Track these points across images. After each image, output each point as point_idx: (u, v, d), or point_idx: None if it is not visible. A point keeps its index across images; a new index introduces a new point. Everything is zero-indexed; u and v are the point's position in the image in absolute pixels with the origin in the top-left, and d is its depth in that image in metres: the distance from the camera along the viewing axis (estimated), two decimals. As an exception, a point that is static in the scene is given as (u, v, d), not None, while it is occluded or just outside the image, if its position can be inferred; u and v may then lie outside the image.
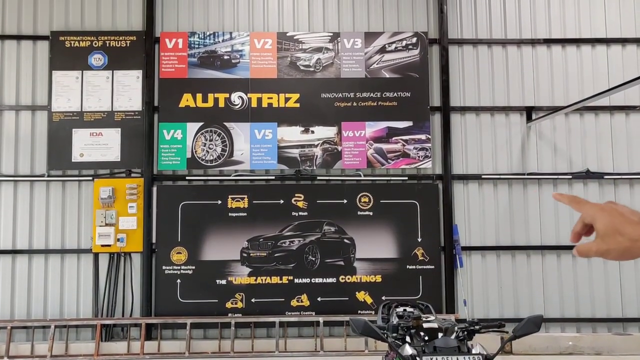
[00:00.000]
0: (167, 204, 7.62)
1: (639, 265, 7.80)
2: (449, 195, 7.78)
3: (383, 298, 7.27)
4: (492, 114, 8.02)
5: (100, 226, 7.50)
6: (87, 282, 7.58)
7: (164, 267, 7.53)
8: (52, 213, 7.66)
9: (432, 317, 3.25)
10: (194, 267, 7.54)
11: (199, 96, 7.78)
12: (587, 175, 7.89)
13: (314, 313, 7.46)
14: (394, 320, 3.51)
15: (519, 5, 8.17)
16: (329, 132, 7.81)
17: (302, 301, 7.53)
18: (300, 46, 7.92)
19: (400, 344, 3.05)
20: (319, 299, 7.54)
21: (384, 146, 7.80)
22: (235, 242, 7.58)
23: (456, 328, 3.06)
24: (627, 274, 7.76)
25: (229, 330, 7.30)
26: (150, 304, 7.49)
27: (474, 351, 2.88)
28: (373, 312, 7.18)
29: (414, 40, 7.96)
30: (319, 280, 7.57)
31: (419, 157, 7.82)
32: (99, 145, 7.68)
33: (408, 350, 2.91)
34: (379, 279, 7.59)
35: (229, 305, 7.49)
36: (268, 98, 7.81)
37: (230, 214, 7.62)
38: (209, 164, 7.73)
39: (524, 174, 7.89)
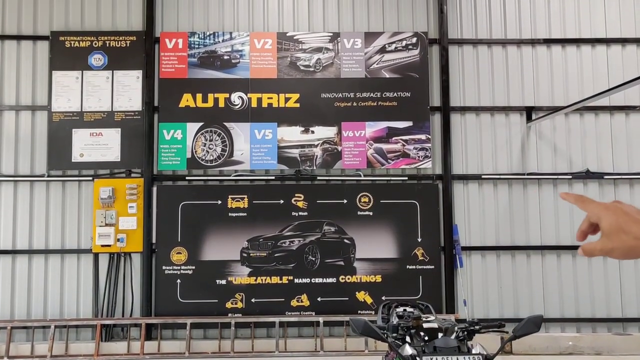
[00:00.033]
0: (167, 204, 7.63)
1: (639, 265, 7.80)
2: (449, 195, 7.78)
3: (383, 298, 7.28)
4: (492, 114, 8.02)
5: (100, 226, 7.50)
6: (87, 282, 7.58)
7: (164, 267, 7.53)
8: (52, 213, 7.66)
9: (432, 317, 3.25)
10: (194, 267, 7.54)
11: (199, 96, 7.78)
12: (587, 175, 7.89)
13: (314, 313, 7.46)
14: (394, 320, 3.51)
15: (519, 5, 8.17)
16: (329, 132, 7.81)
17: (302, 301, 7.53)
18: (300, 46, 7.92)
19: (400, 344, 3.05)
20: (319, 299, 7.54)
21: (384, 146, 7.81)
22: (235, 242, 7.58)
23: (456, 328, 3.06)
24: (627, 274, 7.76)
25: (229, 330, 7.30)
26: (150, 304, 7.49)
27: (474, 351, 2.88)
28: (373, 312, 7.19)
29: (414, 40, 7.97)
30: (319, 280, 7.57)
31: (419, 157, 7.82)
32: (99, 145, 7.68)
33: (408, 350, 2.91)
34: (379, 279, 7.59)
35: (229, 305, 7.49)
36: (268, 98, 7.81)
37: (230, 214, 7.63)
38: (209, 164, 7.73)
39: (524, 174, 7.90)
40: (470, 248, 7.78)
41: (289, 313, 7.47)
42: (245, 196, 7.66)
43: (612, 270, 7.75)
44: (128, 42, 7.84)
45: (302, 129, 7.80)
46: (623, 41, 8.10)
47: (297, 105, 7.80)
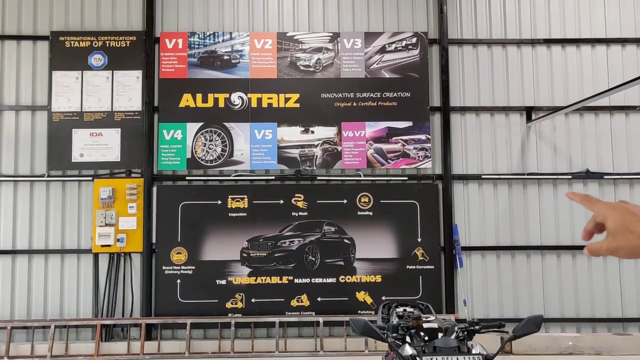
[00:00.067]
0: (167, 204, 7.63)
1: (639, 265, 7.80)
2: (449, 196, 7.79)
3: (383, 298, 7.28)
4: (492, 114, 8.02)
5: (100, 226, 7.50)
6: (87, 282, 7.58)
7: (164, 267, 7.53)
8: (52, 213, 7.66)
9: (432, 317, 3.25)
10: (194, 267, 7.54)
11: (199, 96, 7.78)
12: (587, 175, 7.89)
13: (314, 313, 7.46)
14: (394, 320, 3.52)
15: (519, 5, 8.17)
16: (328, 132, 7.82)
17: (302, 301, 7.53)
18: (300, 46, 7.92)
19: (400, 344, 3.05)
20: (319, 299, 7.54)
21: (384, 146, 7.81)
22: (235, 242, 7.58)
23: (456, 328, 3.07)
24: (627, 274, 7.76)
25: (229, 330, 7.30)
26: (150, 304, 7.49)
27: (474, 351, 2.88)
28: (373, 312, 7.19)
29: (414, 40, 7.97)
30: (319, 280, 7.57)
31: (418, 157, 7.82)
32: (99, 146, 7.69)
33: (408, 350, 2.91)
34: (379, 279, 7.59)
35: (229, 305, 7.49)
36: (268, 98, 7.81)
37: (230, 214, 7.63)
38: (209, 164, 7.73)
39: (523, 174, 7.90)
40: (470, 248, 7.78)
41: (289, 313, 7.47)
42: (245, 196, 7.66)
43: (612, 270, 7.75)
44: (128, 42, 7.84)
45: (302, 129, 7.80)
46: (623, 41, 8.10)
47: (297, 105, 7.81)
